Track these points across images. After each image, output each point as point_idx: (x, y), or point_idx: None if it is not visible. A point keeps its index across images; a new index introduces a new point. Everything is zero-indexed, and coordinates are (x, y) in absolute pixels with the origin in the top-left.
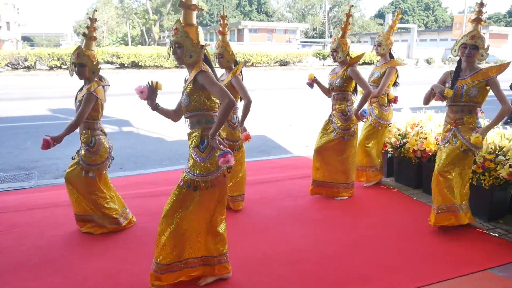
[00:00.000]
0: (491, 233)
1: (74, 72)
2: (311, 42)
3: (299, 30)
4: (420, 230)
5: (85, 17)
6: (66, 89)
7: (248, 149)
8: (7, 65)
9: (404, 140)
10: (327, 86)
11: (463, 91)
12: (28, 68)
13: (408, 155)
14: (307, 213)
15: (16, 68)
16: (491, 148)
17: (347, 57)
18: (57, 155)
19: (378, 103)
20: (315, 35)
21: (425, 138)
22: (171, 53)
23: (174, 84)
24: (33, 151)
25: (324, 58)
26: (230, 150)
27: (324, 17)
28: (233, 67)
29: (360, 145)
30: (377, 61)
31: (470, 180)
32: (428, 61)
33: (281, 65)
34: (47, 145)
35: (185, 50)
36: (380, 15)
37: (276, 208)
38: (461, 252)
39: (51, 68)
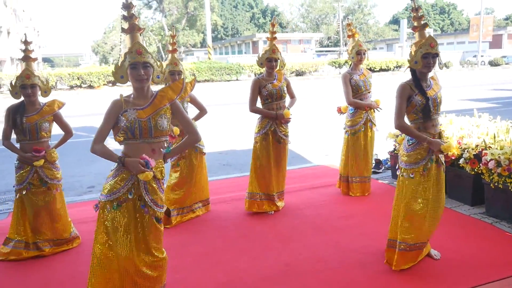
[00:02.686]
0: None
1: (23, 94)
2: (326, 51)
3: (314, 39)
4: (451, 235)
5: (102, 36)
6: (87, 107)
7: None
8: None
9: None
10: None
11: (438, 101)
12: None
13: None
14: (330, 222)
15: None
16: None
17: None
18: (80, 172)
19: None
20: (329, 44)
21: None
22: (138, 74)
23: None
24: None
25: (340, 66)
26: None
27: (338, 25)
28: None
29: (367, 154)
30: (349, 67)
31: (495, 185)
32: (446, 65)
33: (297, 75)
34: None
35: (154, 70)
36: (395, 21)
37: (299, 218)
38: (497, 256)
39: (71, 87)
